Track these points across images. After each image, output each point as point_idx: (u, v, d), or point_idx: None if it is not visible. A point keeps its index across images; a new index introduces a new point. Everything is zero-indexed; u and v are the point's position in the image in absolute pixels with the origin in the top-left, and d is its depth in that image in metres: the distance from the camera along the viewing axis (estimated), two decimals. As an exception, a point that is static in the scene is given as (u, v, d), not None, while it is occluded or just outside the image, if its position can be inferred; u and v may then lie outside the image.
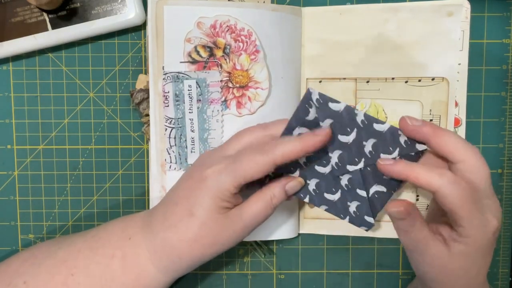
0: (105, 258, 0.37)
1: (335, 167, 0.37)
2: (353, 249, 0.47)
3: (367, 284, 0.47)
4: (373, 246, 0.46)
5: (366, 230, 0.39)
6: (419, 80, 0.43)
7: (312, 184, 0.38)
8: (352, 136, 0.36)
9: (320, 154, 0.37)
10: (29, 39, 0.42)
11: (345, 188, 0.38)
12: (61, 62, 0.45)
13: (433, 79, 0.43)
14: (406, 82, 0.43)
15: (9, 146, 0.45)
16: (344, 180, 0.38)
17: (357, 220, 0.39)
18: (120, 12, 0.42)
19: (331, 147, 0.37)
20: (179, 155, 0.42)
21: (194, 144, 0.42)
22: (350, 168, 0.37)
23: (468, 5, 0.42)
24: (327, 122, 0.36)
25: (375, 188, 0.38)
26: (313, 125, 0.37)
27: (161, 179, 0.42)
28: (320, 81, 0.44)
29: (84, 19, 0.42)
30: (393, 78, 0.43)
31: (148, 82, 0.42)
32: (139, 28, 0.44)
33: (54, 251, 0.38)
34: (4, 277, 0.37)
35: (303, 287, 0.47)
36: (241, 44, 0.42)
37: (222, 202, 0.36)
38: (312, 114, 0.37)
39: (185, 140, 0.42)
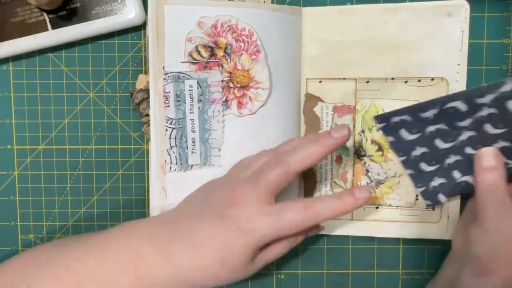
0: (115, 273, 0.36)
1: (456, 147, 0.38)
2: (353, 249, 0.47)
3: (367, 284, 0.47)
4: (373, 246, 0.46)
5: (429, 205, 0.41)
6: (419, 80, 0.43)
7: (418, 151, 0.39)
8: (497, 129, 0.37)
9: (452, 131, 0.38)
10: (29, 39, 0.42)
11: (445, 166, 0.39)
12: (61, 62, 0.45)
13: (432, 79, 0.43)
14: (406, 82, 0.43)
15: (9, 146, 0.45)
16: (451, 159, 0.39)
17: (430, 195, 0.41)
18: (120, 12, 0.42)
19: (468, 128, 0.37)
20: (180, 156, 0.42)
21: (194, 145, 0.42)
22: (468, 150, 0.38)
23: (467, 6, 0.42)
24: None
25: (467, 179, 0.39)
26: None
27: (161, 180, 0.42)
28: (320, 81, 0.44)
29: (84, 19, 0.42)
30: (392, 78, 0.43)
31: (148, 82, 0.42)
32: (139, 28, 0.44)
33: (57, 256, 0.37)
34: (5, 278, 0.37)
35: (303, 287, 0.47)
36: (242, 44, 0.42)
37: (257, 250, 0.36)
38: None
39: (186, 141, 0.42)
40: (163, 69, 0.41)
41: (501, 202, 0.36)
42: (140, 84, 0.43)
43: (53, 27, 0.42)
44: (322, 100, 0.44)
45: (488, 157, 0.37)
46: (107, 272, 0.36)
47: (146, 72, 0.44)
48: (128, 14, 0.42)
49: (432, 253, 0.46)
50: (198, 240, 0.36)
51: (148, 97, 0.42)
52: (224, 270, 0.36)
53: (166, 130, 0.42)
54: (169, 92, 0.42)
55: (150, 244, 0.36)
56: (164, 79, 0.41)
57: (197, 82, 0.42)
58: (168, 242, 0.36)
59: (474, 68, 0.44)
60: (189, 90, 0.42)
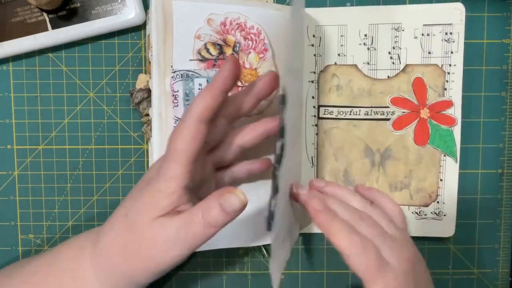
0: (59, 275, 0.36)
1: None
2: (353, 249, 0.47)
3: (367, 284, 0.47)
4: (373, 246, 0.46)
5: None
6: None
7: None
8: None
9: None
10: (29, 39, 0.42)
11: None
12: (61, 62, 0.45)
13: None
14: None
15: (9, 146, 0.45)
16: None
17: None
18: (120, 12, 0.42)
19: None
20: None
21: None
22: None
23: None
24: None
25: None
26: None
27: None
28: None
29: (84, 19, 0.42)
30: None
31: (148, 81, 0.42)
32: (139, 28, 0.44)
33: (21, 268, 0.38)
34: None
35: (303, 287, 0.47)
36: (250, 42, 0.41)
37: (163, 199, 0.32)
38: None
39: None
40: (171, 67, 0.40)
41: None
42: (140, 83, 0.43)
43: (53, 27, 0.42)
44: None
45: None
46: (52, 276, 0.36)
47: (146, 72, 0.44)
48: (128, 14, 0.42)
49: (432, 253, 0.46)
50: (115, 211, 0.35)
51: (148, 97, 0.42)
52: (125, 226, 0.33)
53: None
54: (177, 91, 0.40)
55: (94, 234, 0.36)
56: (172, 77, 0.40)
57: (207, 81, 0.41)
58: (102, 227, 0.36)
59: (474, 68, 0.44)
60: (199, 89, 0.41)
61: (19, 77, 0.45)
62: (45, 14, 0.42)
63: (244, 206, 0.31)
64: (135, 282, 0.35)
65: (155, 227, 0.32)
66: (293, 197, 0.38)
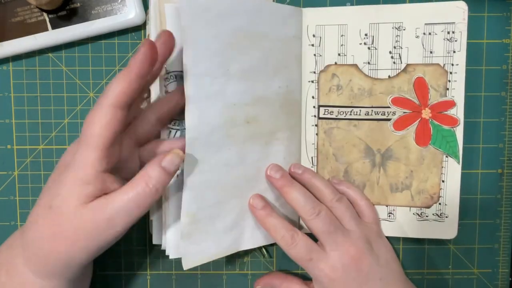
0: None
1: None
2: (353, 249, 0.47)
3: (367, 284, 0.47)
4: (373, 246, 0.46)
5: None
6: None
7: None
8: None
9: None
10: (29, 39, 0.42)
11: None
12: (61, 62, 0.45)
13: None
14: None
15: (9, 146, 0.45)
16: None
17: None
18: (120, 12, 0.42)
19: None
20: None
21: None
22: None
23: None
24: None
25: None
26: None
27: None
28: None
29: (84, 19, 0.42)
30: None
31: (148, 82, 0.42)
32: (139, 28, 0.44)
33: None
34: None
35: (303, 287, 0.47)
36: None
37: (86, 187, 0.32)
38: None
39: None
40: (165, 68, 0.39)
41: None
42: (140, 84, 0.43)
43: (53, 27, 0.42)
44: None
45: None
46: None
47: (146, 72, 0.44)
48: (128, 14, 0.42)
49: (432, 253, 0.46)
50: (35, 204, 0.35)
51: (148, 97, 0.42)
52: (51, 216, 0.32)
53: (170, 131, 0.40)
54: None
55: (20, 232, 0.36)
56: (166, 78, 0.40)
57: None
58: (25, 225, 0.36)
59: (474, 68, 0.44)
60: None
61: (19, 77, 0.44)
62: (45, 14, 0.42)
63: (182, 159, 0.35)
64: (74, 264, 0.34)
65: (88, 212, 0.32)
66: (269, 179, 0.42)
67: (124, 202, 0.32)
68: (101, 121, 0.31)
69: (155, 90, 0.40)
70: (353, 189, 0.44)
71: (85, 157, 0.32)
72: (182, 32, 0.36)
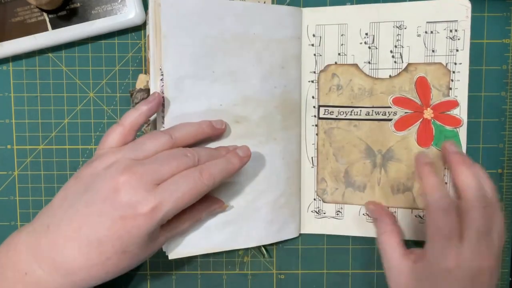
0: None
1: None
2: (353, 249, 0.47)
3: (367, 284, 0.47)
4: (373, 246, 0.46)
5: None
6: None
7: None
8: None
9: None
10: (29, 39, 0.42)
11: None
12: (61, 62, 0.45)
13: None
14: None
15: (9, 146, 0.45)
16: None
17: None
18: (120, 12, 0.42)
19: None
20: None
21: None
22: None
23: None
24: None
25: None
26: None
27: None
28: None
29: (84, 19, 0.42)
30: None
31: (148, 81, 0.42)
32: (139, 28, 0.44)
33: None
34: None
35: (303, 287, 0.47)
36: None
37: (157, 229, 0.36)
38: None
39: None
40: (160, 70, 0.39)
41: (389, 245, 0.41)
42: (140, 84, 0.43)
43: (53, 27, 0.42)
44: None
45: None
46: None
47: (146, 72, 0.44)
48: (128, 14, 0.42)
49: (432, 253, 0.46)
50: (90, 237, 0.33)
51: (147, 97, 0.42)
52: (125, 259, 0.34)
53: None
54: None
55: (30, 257, 0.34)
56: (161, 79, 0.39)
57: None
58: (51, 248, 0.34)
59: (474, 68, 0.44)
60: None
61: (19, 77, 0.44)
62: (45, 14, 0.42)
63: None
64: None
65: (157, 244, 0.37)
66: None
67: (184, 230, 0.40)
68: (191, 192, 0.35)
69: (153, 91, 0.40)
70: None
71: (166, 217, 0.35)
72: (163, 37, 0.37)
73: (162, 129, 0.40)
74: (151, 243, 0.35)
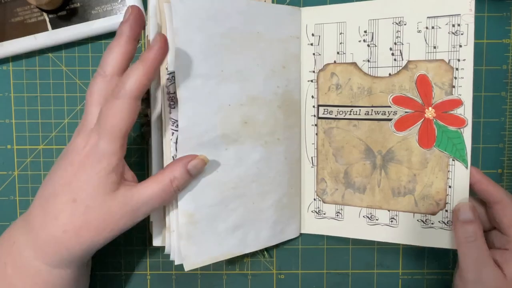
0: None
1: None
2: (353, 249, 0.47)
3: (367, 284, 0.47)
4: (373, 246, 0.46)
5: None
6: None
7: None
8: None
9: None
10: (29, 39, 0.42)
11: None
12: (61, 62, 0.45)
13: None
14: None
15: (9, 146, 0.45)
16: None
17: None
18: (120, 12, 0.42)
19: None
20: None
21: None
22: None
23: None
24: None
25: None
26: None
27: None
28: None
29: (84, 19, 0.42)
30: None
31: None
32: (139, 28, 0.44)
33: None
34: None
35: (303, 287, 0.47)
36: None
37: (110, 175, 0.33)
38: None
39: None
40: (166, 69, 0.38)
41: (480, 252, 0.38)
42: (140, 84, 0.43)
43: (53, 27, 0.42)
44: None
45: (465, 211, 0.39)
46: None
47: (146, 72, 0.43)
48: (128, 14, 0.42)
49: (432, 253, 0.46)
50: (48, 196, 0.34)
51: (147, 97, 0.42)
52: (78, 209, 0.33)
53: (173, 133, 0.38)
54: (174, 93, 0.39)
55: (21, 227, 0.36)
56: (168, 79, 0.38)
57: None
58: (29, 215, 0.35)
59: (474, 68, 0.44)
60: None
61: (19, 77, 0.45)
62: (45, 14, 0.42)
63: (205, 165, 0.37)
64: (93, 251, 0.36)
65: (116, 204, 0.34)
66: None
67: (149, 195, 0.35)
68: (122, 113, 0.33)
69: (153, 91, 0.40)
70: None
71: (108, 147, 0.33)
72: (175, 34, 0.36)
73: (170, 131, 0.38)
74: (106, 195, 0.34)
